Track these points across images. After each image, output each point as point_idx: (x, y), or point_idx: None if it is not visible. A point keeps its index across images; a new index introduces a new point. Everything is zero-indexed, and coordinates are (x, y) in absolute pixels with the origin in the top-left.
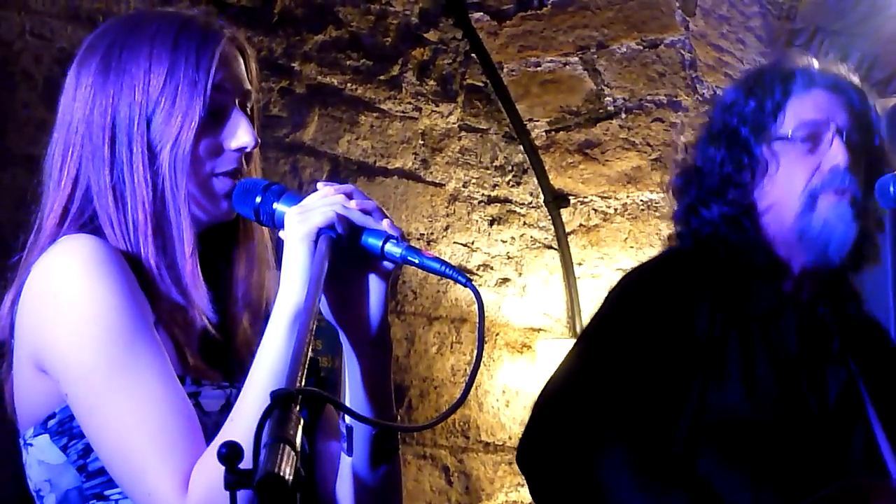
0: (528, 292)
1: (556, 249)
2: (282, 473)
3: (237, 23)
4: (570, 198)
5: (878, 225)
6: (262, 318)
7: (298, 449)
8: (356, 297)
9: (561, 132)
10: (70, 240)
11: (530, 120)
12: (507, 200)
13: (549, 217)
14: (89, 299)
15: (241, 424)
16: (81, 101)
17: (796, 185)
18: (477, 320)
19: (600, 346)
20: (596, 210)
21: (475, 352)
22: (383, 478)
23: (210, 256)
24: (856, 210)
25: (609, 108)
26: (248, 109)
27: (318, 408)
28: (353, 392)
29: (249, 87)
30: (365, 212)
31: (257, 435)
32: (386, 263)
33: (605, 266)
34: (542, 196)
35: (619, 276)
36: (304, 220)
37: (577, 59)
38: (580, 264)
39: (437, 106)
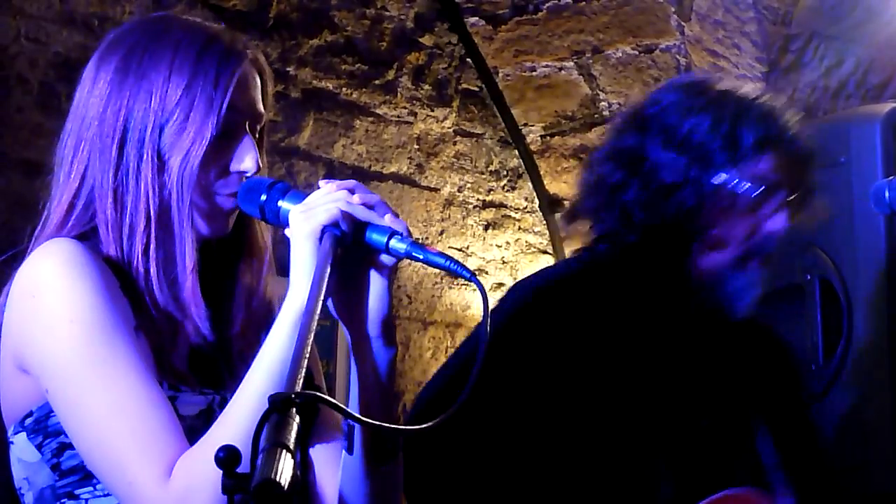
0: None
1: (551, 254)
2: (279, 479)
3: (232, 27)
4: (566, 203)
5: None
6: (264, 328)
7: (295, 453)
8: (359, 293)
9: (556, 137)
10: (50, 243)
11: (525, 125)
12: (502, 205)
13: (545, 222)
14: (67, 298)
15: (232, 422)
16: (97, 97)
17: (737, 237)
18: (482, 314)
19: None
20: None
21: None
22: (385, 477)
23: (213, 270)
24: (768, 273)
25: (604, 112)
26: (257, 132)
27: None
28: (356, 390)
29: (262, 110)
30: (368, 207)
31: (255, 439)
32: (386, 258)
33: None
34: (537, 201)
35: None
36: (308, 217)
37: (572, 63)
38: None
39: (432, 111)
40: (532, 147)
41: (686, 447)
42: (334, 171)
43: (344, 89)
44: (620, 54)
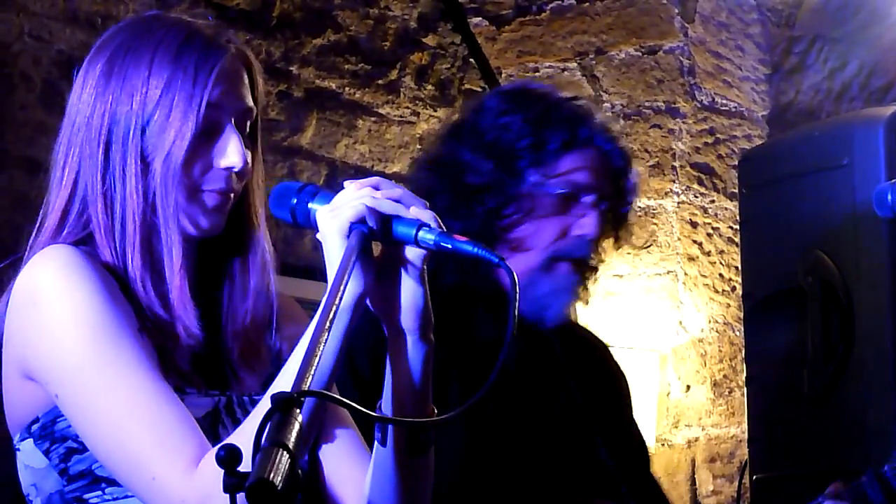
0: None
1: None
2: (273, 479)
3: (235, 26)
4: None
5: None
6: (267, 327)
7: (296, 452)
8: (394, 287)
9: None
10: (47, 250)
11: None
12: None
13: None
14: (69, 303)
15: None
16: (84, 102)
17: (543, 240)
18: (509, 301)
19: None
20: None
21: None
22: (417, 470)
23: (209, 269)
24: (583, 281)
25: (607, 113)
26: (246, 126)
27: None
28: (389, 383)
29: (250, 104)
30: (394, 199)
31: (256, 439)
32: (417, 250)
33: (601, 272)
34: None
35: (616, 282)
36: (334, 216)
37: (575, 64)
38: None
39: (435, 111)
40: None
41: (526, 464)
42: (337, 170)
43: (347, 89)
44: (624, 55)
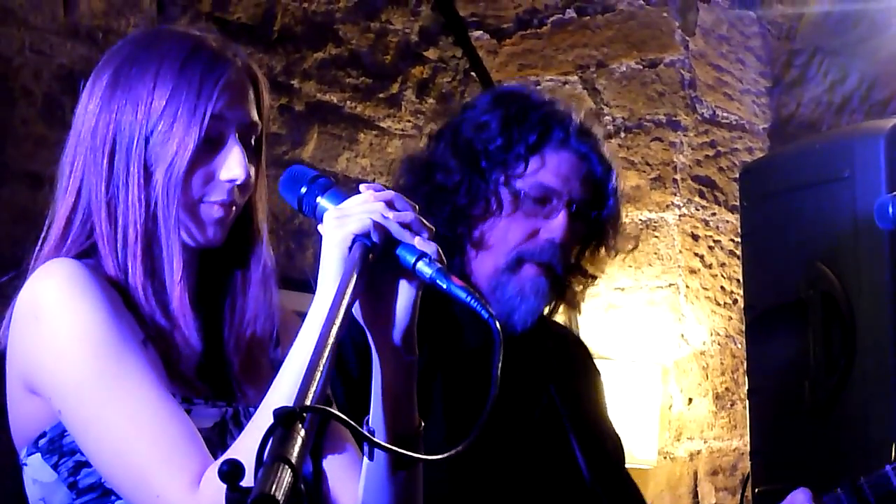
0: None
1: None
2: (275, 494)
3: (237, 40)
4: None
5: (577, 296)
6: (269, 340)
7: (299, 467)
8: (385, 299)
9: None
10: (49, 264)
11: None
12: None
13: None
14: (71, 318)
15: (250, 441)
16: (90, 112)
17: (509, 241)
18: (493, 356)
19: None
20: None
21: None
22: (403, 483)
23: (212, 280)
24: (553, 286)
25: (608, 127)
26: (251, 140)
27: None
28: (375, 398)
29: (255, 118)
30: (403, 224)
31: (258, 455)
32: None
33: (603, 285)
34: None
35: (617, 295)
36: (340, 224)
37: (576, 77)
38: None
39: (437, 124)
40: None
41: (503, 474)
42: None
43: (348, 102)
44: (625, 68)
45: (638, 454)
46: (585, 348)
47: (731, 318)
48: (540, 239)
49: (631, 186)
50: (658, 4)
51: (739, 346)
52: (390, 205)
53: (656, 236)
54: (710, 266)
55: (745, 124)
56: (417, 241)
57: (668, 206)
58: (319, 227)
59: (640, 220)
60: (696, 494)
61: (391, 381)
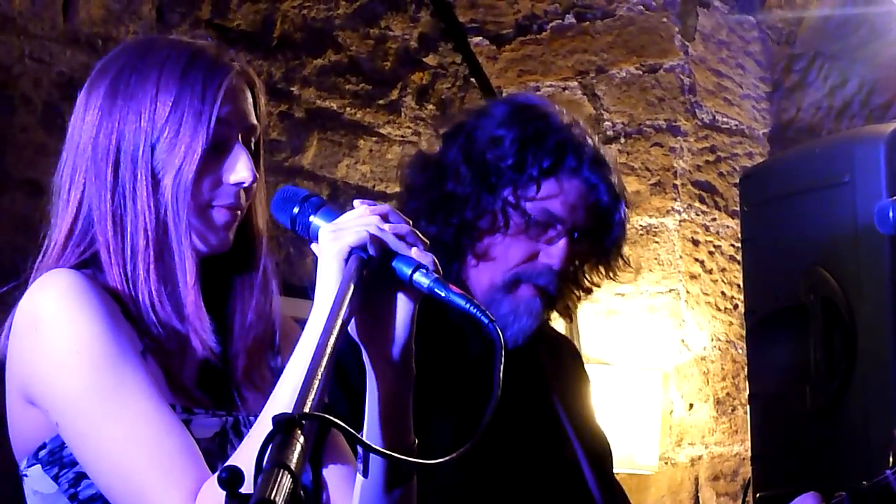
0: None
1: None
2: (274, 499)
3: (236, 47)
4: None
5: (571, 308)
6: (269, 346)
7: (298, 473)
8: (382, 316)
9: None
10: (48, 275)
11: None
12: None
13: None
14: (69, 330)
15: (256, 444)
16: (89, 123)
17: (509, 260)
18: (494, 362)
19: None
20: None
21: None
22: (398, 501)
23: (212, 286)
24: (547, 306)
25: (608, 132)
26: (251, 144)
27: (323, 431)
28: (370, 414)
29: (255, 122)
30: (399, 236)
31: (258, 461)
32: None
33: (604, 291)
34: None
35: (618, 300)
36: (336, 238)
37: (576, 83)
38: None
39: (437, 131)
40: None
41: (507, 486)
42: (338, 190)
43: (348, 109)
44: (624, 74)
45: (639, 460)
46: (574, 348)
47: (731, 323)
48: (539, 263)
49: (631, 192)
50: (657, 10)
51: (740, 351)
52: (385, 218)
53: (656, 242)
54: (710, 271)
55: (744, 129)
56: (414, 252)
57: (668, 212)
58: (313, 246)
59: (641, 225)
60: (697, 500)
61: (388, 398)
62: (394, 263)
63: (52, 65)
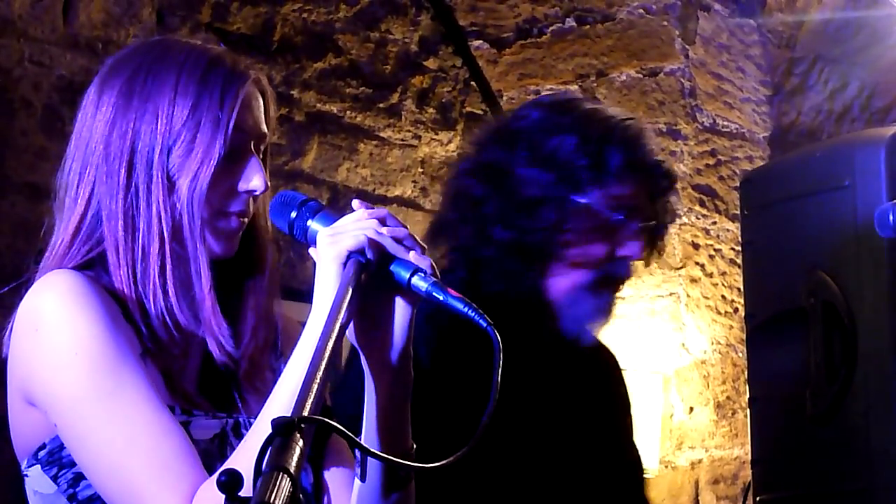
0: None
1: None
2: (274, 502)
3: (236, 50)
4: None
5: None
6: (272, 349)
7: (297, 476)
8: (380, 321)
9: None
10: (50, 276)
11: None
12: None
13: None
14: (70, 331)
15: (252, 448)
16: (102, 121)
17: (593, 259)
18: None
19: None
20: None
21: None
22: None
23: (220, 290)
24: (617, 299)
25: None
26: (261, 152)
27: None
28: (368, 419)
29: (266, 130)
30: (396, 240)
31: (257, 464)
32: (410, 293)
33: None
34: None
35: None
36: (334, 242)
37: (576, 87)
38: None
39: (437, 134)
40: None
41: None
42: (338, 194)
43: (348, 112)
44: (624, 77)
45: None
46: (620, 366)
47: (731, 326)
48: (617, 256)
49: None
50: (658, 13)
51: (740, 354)
52: (382, 222)
53: None
54: (710, 275)
55: (745, 133)
56: (412, 256)
57: None
58: (311, 251)
59: None
60: (697, 503)
61: (386, 402)
62: (392, 267)
63: (53, 68)
